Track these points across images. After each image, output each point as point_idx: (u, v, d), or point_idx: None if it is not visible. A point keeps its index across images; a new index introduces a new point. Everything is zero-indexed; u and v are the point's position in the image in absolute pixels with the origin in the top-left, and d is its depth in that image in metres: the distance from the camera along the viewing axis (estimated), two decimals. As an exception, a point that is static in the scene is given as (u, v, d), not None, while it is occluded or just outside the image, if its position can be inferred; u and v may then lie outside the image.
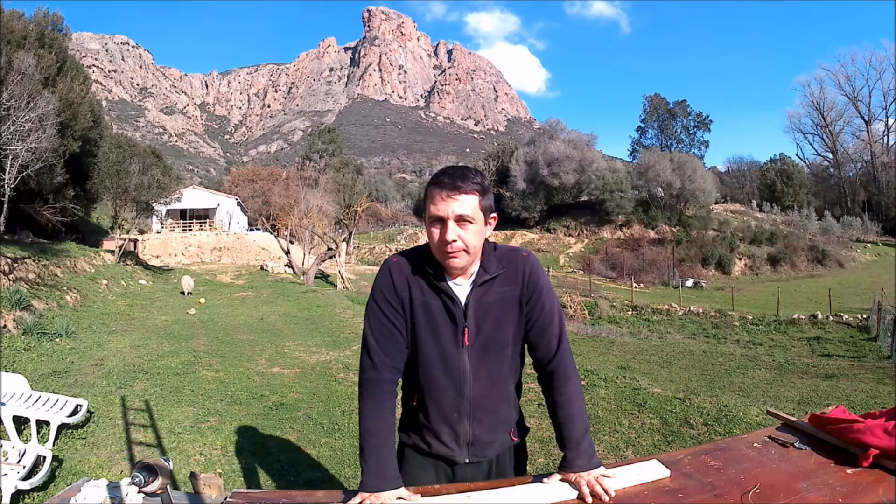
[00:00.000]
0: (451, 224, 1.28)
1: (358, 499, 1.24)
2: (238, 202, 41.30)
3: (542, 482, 1.28)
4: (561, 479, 1.28)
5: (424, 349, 1.38)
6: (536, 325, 1.40)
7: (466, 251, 1.30)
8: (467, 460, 1.43)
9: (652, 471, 1.27)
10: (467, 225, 1.29)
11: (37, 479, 2.95)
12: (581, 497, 1.21)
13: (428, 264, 1.37)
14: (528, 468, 1.58)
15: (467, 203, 1.28)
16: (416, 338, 1.38)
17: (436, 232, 1.31)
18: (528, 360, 1.51)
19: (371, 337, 1.38)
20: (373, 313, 1.39)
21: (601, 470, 1.27)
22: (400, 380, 1.46)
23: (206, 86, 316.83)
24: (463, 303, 1.36)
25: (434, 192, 1.30)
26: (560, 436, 1.36)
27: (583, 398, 1.41)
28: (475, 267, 1.38)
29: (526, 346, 1.46)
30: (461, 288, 1.38)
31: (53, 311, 9.10)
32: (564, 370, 1.39)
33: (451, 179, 1.29)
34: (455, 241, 1.28)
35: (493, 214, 1.37)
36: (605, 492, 1.19)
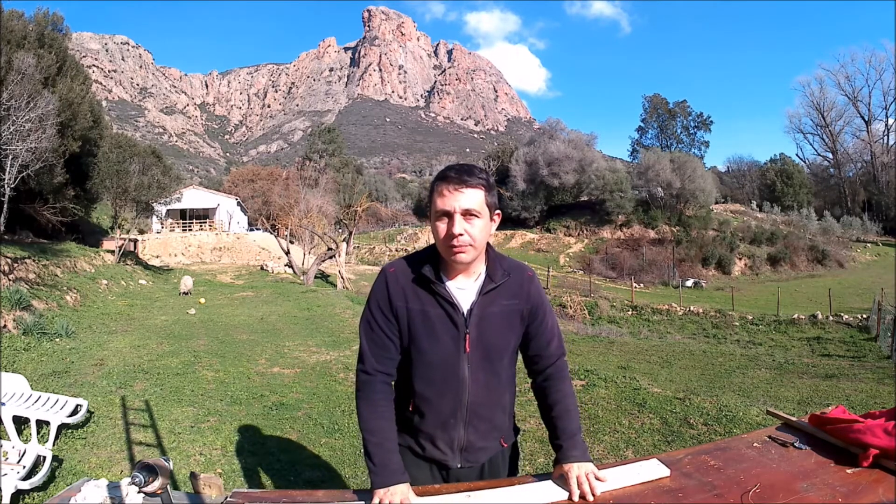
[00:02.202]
0: (458, 218, 1.29)
1: (376, 499, 1.25)
2: (238, 202, 41.28)
3: (540, 482, 1.29)
4: (555, 474, 1.31)
5: (424, 356, 1.38)
6: (540, 341, 1.45)
7: (472, 246, 1.31)
8: (459, 465, 1.45)
9: (652, 470, 1.27)
10: (473, 219, 1.31)
11: (37, 479, 2.95)
12: (570, 492, 1.23)
13: (427, 270, 1.36)
14: (528, 468, 1.59)
15: (473, 197, 1.30)
16: (416, 345, 1.38)
17: (442, 226, 1.32)
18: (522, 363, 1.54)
19: (364, 344, 1.41)
20: (366, 322, 1.41)
21: (593, 467, 1.28)
22: (395, 383, 1.48)
23: (206, 86, 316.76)
24: (465, 309, 1.37)
25: (441, 186, 1.32)
26: (556, 428, 1.39)
27: (576, 399, 1.46)
28: (480, 269, 1.40)
29: (524, 357, 1.51)
30: (463, 293, 1.38)
31: (53, 311, 9.10)
32: (560, 372, 1.46)
33: (458, 174, 1.31)
34: (461, 234, 1.29)
35: (497, 211, 1.39)
36: (592, 492, 1.21)
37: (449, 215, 1.30)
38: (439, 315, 1.36)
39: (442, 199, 1.31)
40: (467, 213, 1.30)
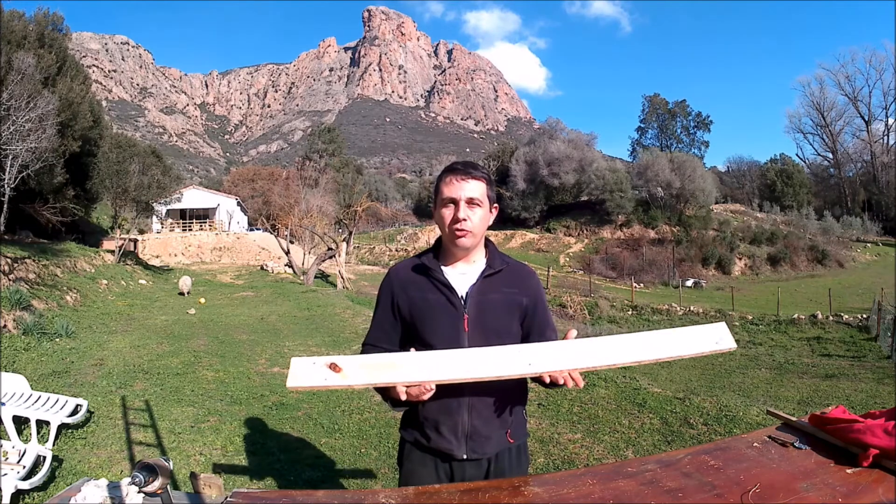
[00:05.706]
0: (463, 205, 1.42)
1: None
2: (238, 202, 41.29)
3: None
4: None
5: (427, 339, 1.44)
6: (540, 337, 1.48)
7: (473, 232, 1.43)
8: (465, 456, 1.43)
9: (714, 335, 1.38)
10: (476, 208, 1.43)
11: (37, 479, 2.95)
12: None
13: (426, 260, 1.49)
14: (529, 469, 1.58)
15: (477, 187, 1.43)
16: (419, 330, 1.45)
17: (447, 213, 1.43)
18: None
19: (370, 327, 1.58)
20: (376, 313, 1.58)
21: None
22: None
23: (206, 86, 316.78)
24: (463, 293, 1.45)
25: (448, 176, 1.45)
26: None
27: None
28: (480, 258, 1.50)
29: None
30: (463, 278, 1.47)
31: (53, 311, 9.10)
32: None
33: (464, 167, 1.46)
34: (465, 220, 1.41)
35: (496, 205, 1.52)
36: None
37: (455, 202, 1.42)
38: (438, 299, 1.45)
39: (448, 188, 1.43)
40: (471, 202, 1.42)
